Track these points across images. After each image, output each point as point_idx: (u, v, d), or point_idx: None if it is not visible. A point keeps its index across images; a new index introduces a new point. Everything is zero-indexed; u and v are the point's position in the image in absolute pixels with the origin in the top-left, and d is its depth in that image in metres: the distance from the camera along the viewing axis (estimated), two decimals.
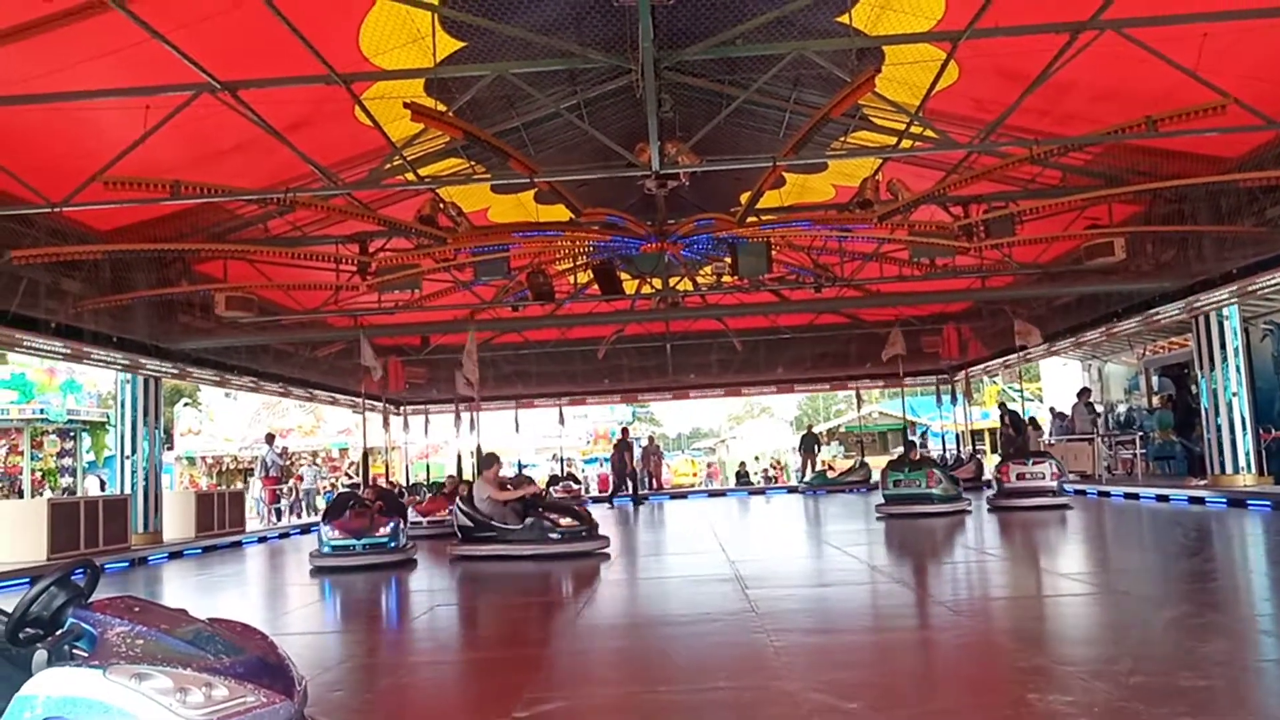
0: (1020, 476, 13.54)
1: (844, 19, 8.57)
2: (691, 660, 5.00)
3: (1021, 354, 18.31)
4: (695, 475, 36.27)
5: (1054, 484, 13.51)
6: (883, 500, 13.80)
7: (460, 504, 10.75)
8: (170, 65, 6.95)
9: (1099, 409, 20.27)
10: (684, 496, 25.23)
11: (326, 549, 10.45)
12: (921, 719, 3.45)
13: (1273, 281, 11.75)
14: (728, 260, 12.54)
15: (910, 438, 20.98)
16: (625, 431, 23.72)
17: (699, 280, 15.52)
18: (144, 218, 10.71)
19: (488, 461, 11.13)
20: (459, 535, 10.69)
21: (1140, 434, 17.73)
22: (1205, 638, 4.68)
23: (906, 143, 10.29)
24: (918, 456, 14.69)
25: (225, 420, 32.10)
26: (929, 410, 29.25)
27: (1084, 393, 19.65)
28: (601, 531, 10.65)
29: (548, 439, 31.87)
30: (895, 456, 17.65)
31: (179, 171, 8.60)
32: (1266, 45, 8.04)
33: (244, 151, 9.37)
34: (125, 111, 7.67)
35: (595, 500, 22.16)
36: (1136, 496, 14.09)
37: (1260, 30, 7.73)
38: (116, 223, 10.75)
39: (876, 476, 23.53)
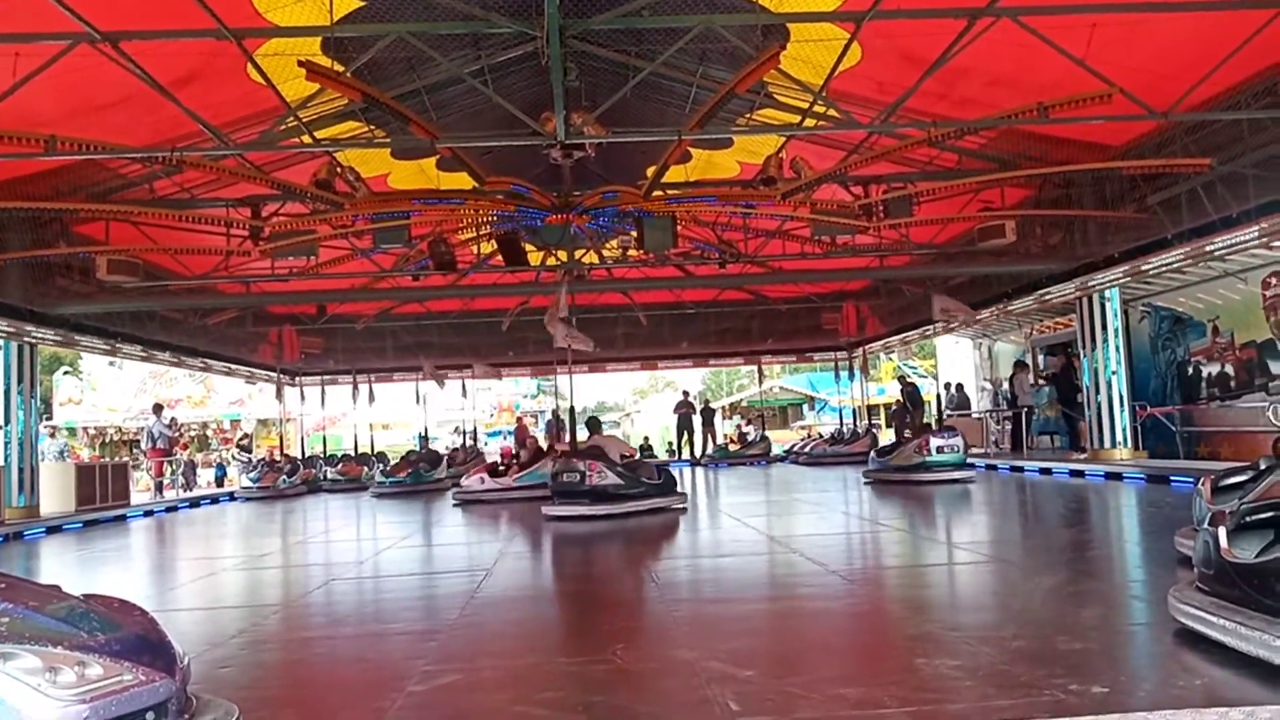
0: (940, 449, 13.40)
1: None
2: (589, 631, 5.01)
3: (922, 330, 18.61)
4: None
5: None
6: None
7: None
8: (44, 11, 6.54)
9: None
10: None
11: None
12: (816, 685, 3.52)
13: (1152, 265, 12.34)
14: (634, 234, 12.54)
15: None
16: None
17: (605, 253, 15.47)
18: (16, 174, 10.08)
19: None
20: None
21: (1026, 409, 18.40)
22: (1082, 604, 4.90)
23: (810, 121, 10.42)
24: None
25: (109, 390, 30.71)
26: (828, 385, 29.88)
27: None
28: None
29: (450, 412, 31.42)
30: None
31: (56, 125, 8.13)
32: (1150, 39, 8.39)
33: (127, 107, 8.90)
34: None
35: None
36: (1021, 470, 14.67)
37: (1145, 24, 8.05)
38: None
39: (777, 449, 24.10)
